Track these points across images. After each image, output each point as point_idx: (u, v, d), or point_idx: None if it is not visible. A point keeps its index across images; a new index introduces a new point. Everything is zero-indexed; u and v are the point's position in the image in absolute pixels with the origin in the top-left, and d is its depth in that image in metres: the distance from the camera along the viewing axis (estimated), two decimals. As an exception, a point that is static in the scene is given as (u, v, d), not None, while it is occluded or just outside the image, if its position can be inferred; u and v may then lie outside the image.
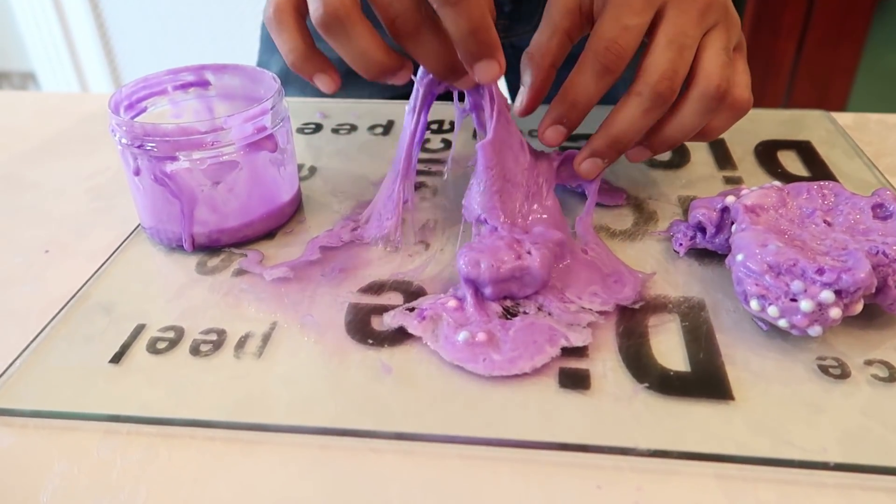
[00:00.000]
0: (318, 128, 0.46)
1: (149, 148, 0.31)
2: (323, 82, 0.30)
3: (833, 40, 1.76)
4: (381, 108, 0.48)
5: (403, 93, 0.56)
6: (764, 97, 1.85)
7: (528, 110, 0.33)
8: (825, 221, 0.30)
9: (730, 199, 0.31)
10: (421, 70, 0.31)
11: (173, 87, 0.36)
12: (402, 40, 0.28)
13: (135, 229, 0.36)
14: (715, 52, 0.31)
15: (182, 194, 0.32)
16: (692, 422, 0.24)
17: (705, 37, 0.32)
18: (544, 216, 0.32)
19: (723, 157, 0.41)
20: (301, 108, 0.49)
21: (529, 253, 0.30)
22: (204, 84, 0.37)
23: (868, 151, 0.42)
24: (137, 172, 0.32)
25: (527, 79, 0.33)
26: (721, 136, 0.38)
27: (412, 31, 0.28)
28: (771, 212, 0.30)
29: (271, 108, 0.32)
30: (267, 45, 0.61)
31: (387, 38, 0.28)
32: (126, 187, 0.40)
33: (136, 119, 0.35)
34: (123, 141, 0.31)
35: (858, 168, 0.39)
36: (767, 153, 0.41)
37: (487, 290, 0.29)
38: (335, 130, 0.45)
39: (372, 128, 0.46)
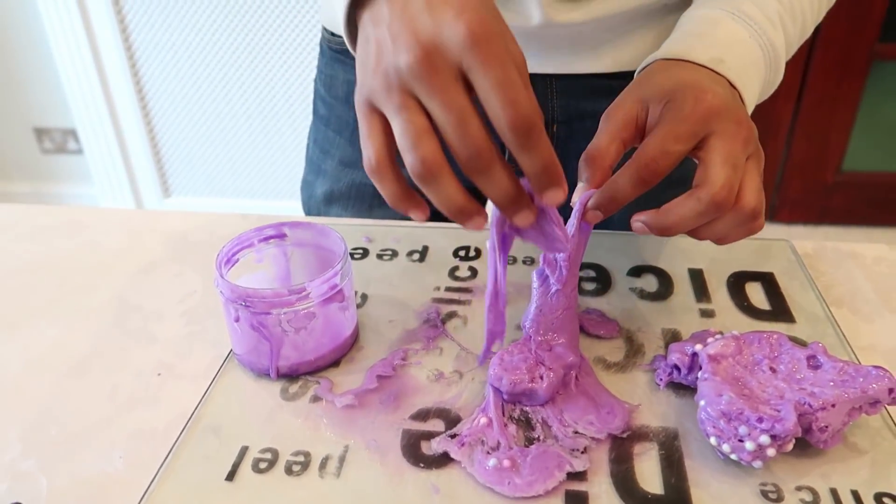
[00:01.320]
0: (365, 253, 0.55)
1: (248, 304, 0.40)
2: (417, 216, 0.36)
3: (829, 100, 1.85)
4: (417, 233, 0.58)
5: (433, 214, 0.65)
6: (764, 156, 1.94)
7: (594, 186, 0.40)
8: (771, 368, 0.38)
9: (698, 347, 0.40)
10: (493, 217, 0.38)
11: (258, 241, 0.46)
12: (476, 175, 0.33)
13: (228, 355, 0.45)
14: (752, 179, 0.39)
15: (272, 338, 0.41)
16: (662, 539, 0.32)
17: (746, 163, 0.39)
18: (562, 341, 0.42)
19: (700, 288, 0.50)
20: (349, 231, 0.58)
21: (542, 377, 0.39)
22: (281, 236, 0.46)
23: (821, 282, 0.50)
24: (237, 320, 0.41)
25: (585, 175, 0.40)
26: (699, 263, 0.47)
27: (485, 168, 0.33)
28: (729, 359, 0.39)
29: (341, 270, 0.42)
30: (312, 166, 0.70)
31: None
32: (213, 311, 0.49)
33: (229, 267, 0.44)
34: (227, 295, 0.41)
35: (811, 301, 0.48)
36: (737, 285, 0.50)
37: (505, 396, 0.39)
38: (379, 256, 0.55)
39: (410, 254, 0.55)
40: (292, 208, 1.91)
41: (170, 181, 1.95)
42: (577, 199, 0.40)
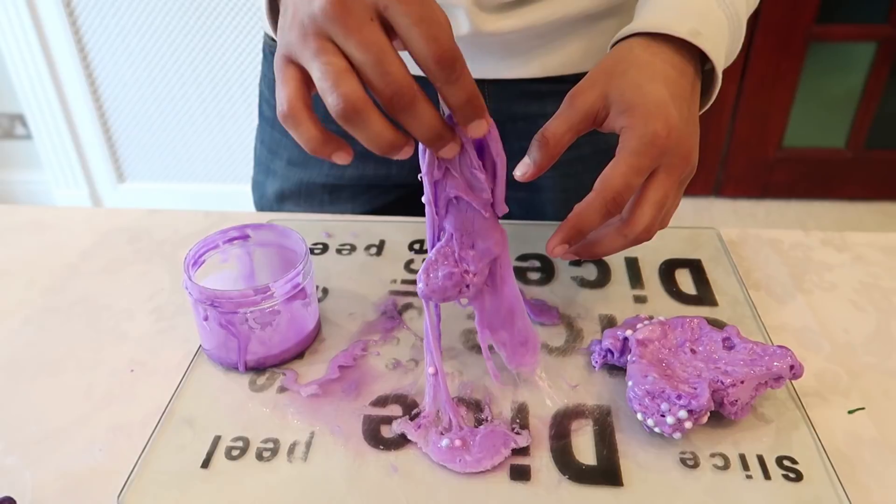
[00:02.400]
0: (325, 248, 0.58)
1: (216, 304, 0.43)
2: (340, 158, 0.36)
3: (769, 80, 1.93)
4: (374, 227, 0.61)
5: (382, 207, 0.69)
6: (709, 134, 2.02)
7: (528, 179, 0.41)
8: (691, 350, 0.43)
9: (628, 333, 0.44)
10: (423, 161, 0.39)
11: (223, 242, 0.49)
12: (400, 114, 0.33)
13: (197, 350, 0.48)
14: (674, 205, 0.43)
15: (240, 335, 0.44)
16: (595, 502, 0.37)
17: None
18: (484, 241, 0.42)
19: (635, 276, 0.55)
20: (308, 227, 0.61)
21: (468, 287, 0.41)
22: (245, 237, 0.49)
23: (743, 267, 0.56)
24: (206, 318, 0.44)
25: (535, 156, 0.41)
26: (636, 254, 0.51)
27: (408, 105, 0.33)
28: (655, 343, 0.44)
29: (302, 269, 0.45)
30: (261, 167, 0.72)
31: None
32: (181, 308, 0.52)
33: (196, 268, 0.47)
34: (196, 296, 0.44)
35: (733, 286, 0.53)
36: (668, 272, 0.55)
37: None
38: (339, 251, 0.58)
39: (368, 248, 0.58)
40: (245, 192, 1.91)
41: (123, 167, 1.93)
42: (518, 174, 0.41)
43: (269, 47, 0.67)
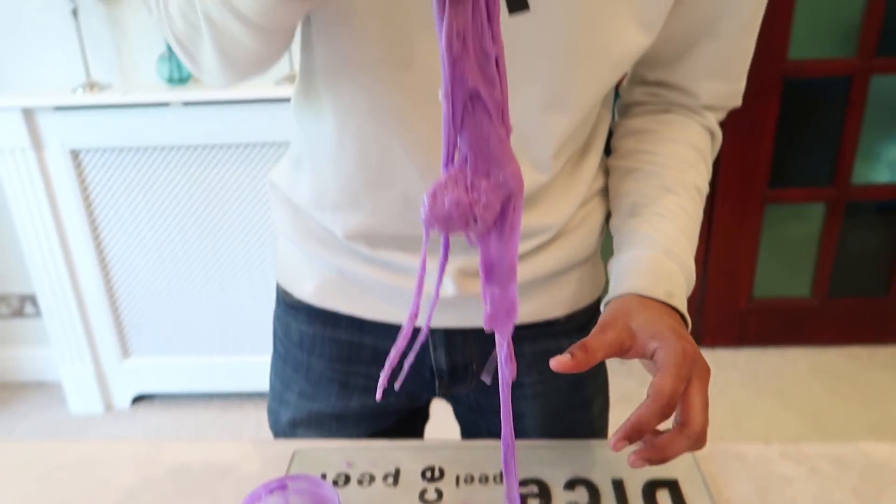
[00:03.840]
0: (347, 479, 0.66)
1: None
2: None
3: (733, 238, 2.10)
4: (391, 454, 0.69)
5: (384, 430, 0.77)
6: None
7: (560, 369, 0.50)
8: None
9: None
10: (441, 34, 0.36)
11: (266, 493, 0.56)
12: None
13: None
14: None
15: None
16: None
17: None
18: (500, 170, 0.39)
19: (622, 498, 0.62)
20: (331, 455, 0.69)
21: (475, 220, 0.39)
22: (284, 487, 0.57)
23: (714, 485, 0.64)
24: (254, 573, 0.51)
25: (577, 354, 0.51)
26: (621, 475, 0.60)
27: None
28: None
29: (337, 521, 0.52)
30: (275, 395, 0.80)
31: None
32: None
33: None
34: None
35: (707, 506, 0.61)
36: (650, 493, 0.63)
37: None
38: (360, 482, 0.65)
39: (385, 477, 0.66)
40: (247, 363, 1.99)
41: (128, 343, 2.01)
42: (554, 364, 0.50)
43: (283, 296, 0.77)
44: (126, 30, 1.81)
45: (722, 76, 0.65)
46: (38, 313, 2.07)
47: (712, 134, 0.70)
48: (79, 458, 0.71)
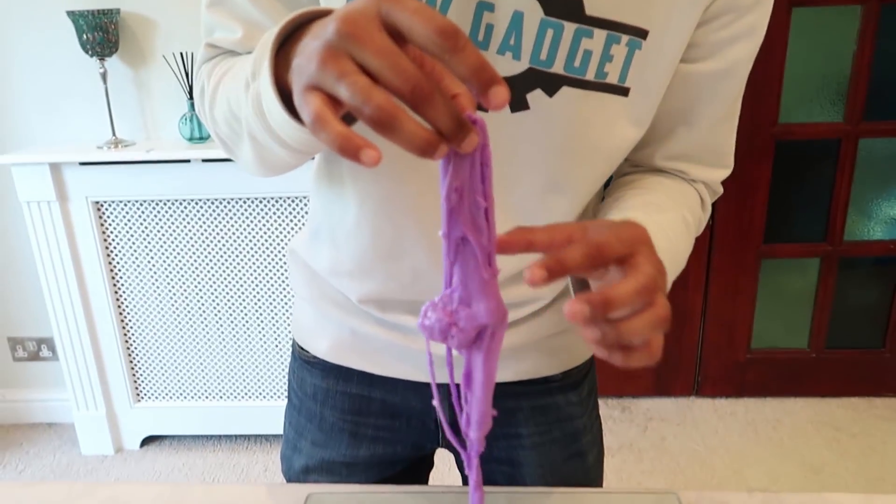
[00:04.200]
0: (357, 523, 0.71)
1: None
2: (369, 156, 0.36)
3: (731, 292, 2.15)
4: (398, 500, 0.74)
5: (390, 477, 0.82)
6: (683, 339, 2.21)
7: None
8: None
9: None
10: (443, 187, 0.40)
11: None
12: (422, 105, 0.35)
13: None
14: (664, 298, 0.45)
15: None
16: None
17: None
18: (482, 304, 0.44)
19: (612, 544, 0.67)
20: (341, 501, 0.74)
21: (452, 337, 0.45)
22: (300, 529, 0.62)
23: (699, 533, 0.68)
24: None
25: (547, 262, 0.42)
26: None
27: (429, 96, 0.35)
28: None
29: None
30: (289, 443, 0.85)
31: None
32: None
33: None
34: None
35: (691, 553, 0.66)
36: (639, 539, 0.68)
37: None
38: (369, 525, 0.70)
39: (393, 522, 0.71)
40: (254, 407, 2.04)
41: (140, 386, 2.06)
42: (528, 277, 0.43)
43: (298, 352, 0.83)
44: (151, 92, 1.91)
45: (699, 161, 0.70)
46: (53, 357, 2.13)
47: (701, 198, 0.72)
48: (107, 498, 0.76)
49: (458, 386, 0.50)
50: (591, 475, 0.85)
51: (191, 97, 1.85)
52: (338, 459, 0.81)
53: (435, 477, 0.92)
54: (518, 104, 0.59)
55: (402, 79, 0.35)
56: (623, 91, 0.60)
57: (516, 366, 0.76)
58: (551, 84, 0.59)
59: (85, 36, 1.74)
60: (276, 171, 0.62)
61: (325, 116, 0.37)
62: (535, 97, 0.59)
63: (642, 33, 0.58)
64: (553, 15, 0.56)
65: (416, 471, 0.87)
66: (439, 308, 0.46)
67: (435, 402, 0.49)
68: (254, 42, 0.60)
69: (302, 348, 0.82)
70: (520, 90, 0.59)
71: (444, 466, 0.94)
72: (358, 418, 0.80)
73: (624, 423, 2.19)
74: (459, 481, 0.91)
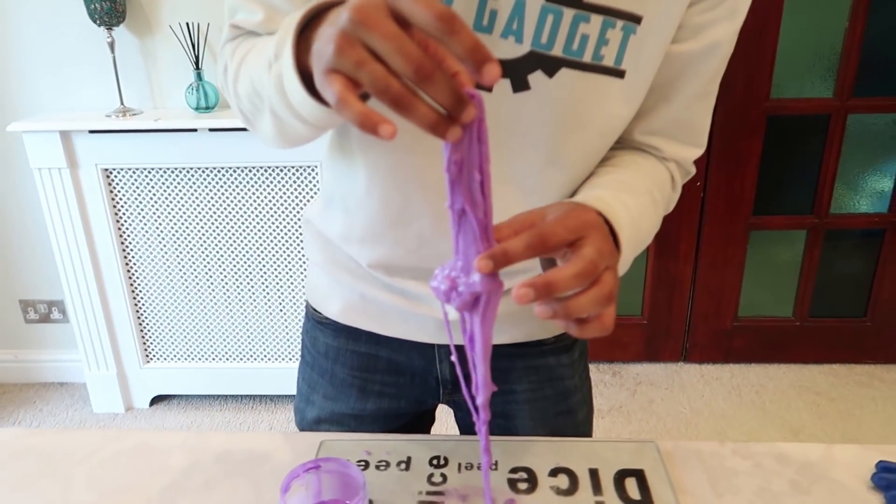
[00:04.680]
0: (366, 465, 0.78)
1: (305, 524, 0.63)
2: (385, 131, 0.41)
3: (720, 263, 2.23)
4: (401, 446, 0.81)
5: (395, 429, 0.89)
6: (673, 308, 2.28)
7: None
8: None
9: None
10: (445, 158, 0.45)
11: (303, 472, 0.69)
12: (424, 83, 0.40)
13: (283, 555, 0.66)
14: (610, 275, 0.51)
15: (319, 545, 0.63)
16: None
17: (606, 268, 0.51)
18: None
19: (596, 485, 0.75)
20: (353, 446, 0.81)
21: (454, 297, 0.50)
22: (318, 467, 0.70)
23: (674, 474, 0.76)
24: (296, 534, 0.64)
25: (494, 253, 0.47)
26: (597, 465, 0.72)
27: (430, 74, 0.39)
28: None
29: (363, 494, 0.65)
30: (302, 397, 0.92)
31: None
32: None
33: (286, 492, 0.67)
34: (289, 516, 0.63)
35: (666, 491, 0.73)
36: (620, 481, 0.75)
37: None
38: (377, 467, 0.78)
39: (398, 464, 0.78)
40: (259, 369, 2.12)
41: (150, 348, 2.13)
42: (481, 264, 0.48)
43: (312, 313, 0.90)
44: (158, 61, 1.95)
45: (674, 137, 0.75)
46: (63, 319, 2.20)
47: (672, 178, 0.77)
48: (136, 444, 0.84)
49: (459, 348, 0.56)
50: (580, 430, 0.92)
51: (197, 67, 1.89)
52: (347, 412, 0.89)
53: (436, 430, 0.99)
54: (520, 84, 0.65)
55: (408, 60, 0.39)
56: (619, 73, 0.65)
57: (511, 330, 0.82)
58: (551, 66, 0.64)
59: (93, 5, 1.77)
60: (293, 144, 0.68)
61: (347, 97, 0.41)
62: (536, 78, 0.65)
63: (636, 18, 0.63)
64: (553, 1, 0.61)
65: (418, 424, 0.95)
66: (445, 272, 0.51)
67: (453, 358, 0.56)
68: (273, 24, 0.66)
69: (315, 310, 0.88)
70: (522, 71, 0.64)
71: (442, 421, 1.02)
72: (366, 374, 0.87)
73: (614, 387, 2.28)
74: (458, 434, 0.99)
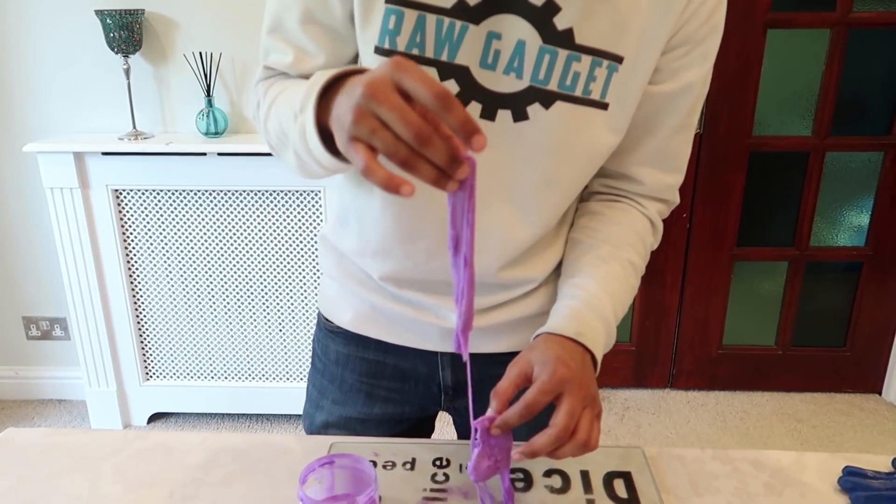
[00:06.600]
0: (374, 465, 0.84)
1: (321, 511, 0.69)
2: (406, 191, 0.49)
3: (705, 291, 2.31)
4: (407, 448, 0.87)
5: (399, 433, 0.95)
6: (660, 335, 2.36)
7: (498, 413, 0.65)
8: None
9: (580, 527, 0.70)
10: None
11: (318, 466, 0.75)
12: (424, 146, 0.48)
13: (299, 542, 0.72)
14: (585, 421, 0.65)
15: (335, 533, 0.69)
16: None
17: (583, 411, 0.65)
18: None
19: (587, 484, 0.81)
20: (362, 447, 0.87)
21: (497, 467, 0.70)
22: (332, 462, 0.76)
23: (658, 476, 0.82)
24: (313, 521, 0.69)
25: (493, 404, 0.65)
26: (588, 467, 0.78)
27: (428, 139, 0.47)
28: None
29: (375, 486, 0.71)
30: (312, 402, 0.98)
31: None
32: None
33: (303, 484, 0.72)
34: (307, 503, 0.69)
35: (651, 491, 0.80)
36: (609, 481, 0.82)
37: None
38: (384, 466, 0.84)
39: (404, 464, 0.84)
40: (255, 388, 2.16)
41: (150, 366, 2.18)
42: (490, 412, 0.65)
43: (324, 323, 0.96)
44: (170, 88, 2.03)
45: (660, 166, 0.83)
46: (65, 336, 2.24)
47: (652, 223, 0.87)
48: (158, 442, 0.89)
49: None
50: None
51: (208, 94, 1.97)
52: (354, 416, 0.95)
53: (435, 438, 1.05)
54: (520, 115, 0.73)
55: (410, 128, 0.48)
56: (604, 106, 0.74)
57: (509, 339, 0.89)
58: (547, 99, 0.73)
59: (112, 34, 1.85)
60: (311, 178, 0.77)
61: (373, 165, 0.50)
62: (534, 109, 0.73)
63: (619, 59, 0.72)
64: (550, 43, 0.70)
65: (420, 429, 1.01)
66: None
67: (458, 332, 0.65)
68: (302, 66, 0.75)
69: (328, 320, 0.95)
70: (521, 104, 0.73)
71: (439, 436, 1.08)
72: (373, 381, 0.94)
73: (604, 412, 2.34)
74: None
